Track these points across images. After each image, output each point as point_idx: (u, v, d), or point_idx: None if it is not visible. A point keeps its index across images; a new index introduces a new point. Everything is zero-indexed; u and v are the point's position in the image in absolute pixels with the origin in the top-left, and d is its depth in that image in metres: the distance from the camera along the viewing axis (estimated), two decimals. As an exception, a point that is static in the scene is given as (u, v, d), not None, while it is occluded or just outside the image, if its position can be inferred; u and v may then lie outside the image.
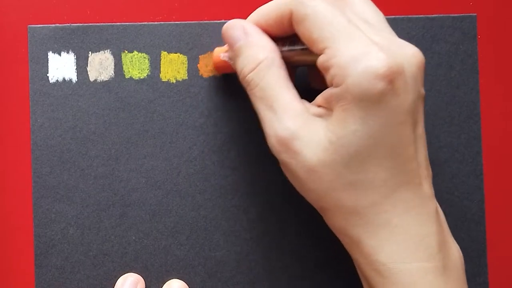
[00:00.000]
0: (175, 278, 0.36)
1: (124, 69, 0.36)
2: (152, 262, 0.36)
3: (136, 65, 0.36)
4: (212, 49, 0.36)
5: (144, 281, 0.36)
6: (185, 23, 0.36)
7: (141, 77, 0.36)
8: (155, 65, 0.36)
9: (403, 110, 0.27)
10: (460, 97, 0.37)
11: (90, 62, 0.36)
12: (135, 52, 0.36)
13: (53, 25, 0.36)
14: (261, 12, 0.31)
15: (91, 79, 0.36)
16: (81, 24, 0.36)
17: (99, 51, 0.36)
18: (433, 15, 0.37)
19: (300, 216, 0.36)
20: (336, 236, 0.35)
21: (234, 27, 0.31)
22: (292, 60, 0.31)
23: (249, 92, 0.31)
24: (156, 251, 0.36)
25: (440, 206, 0.37)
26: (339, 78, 0.27)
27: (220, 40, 0.36)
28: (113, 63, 0.36)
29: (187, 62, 0.36)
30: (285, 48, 0.31)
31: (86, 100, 0.36)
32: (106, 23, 0.36)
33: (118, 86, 0.36)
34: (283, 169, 0.30)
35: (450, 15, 0.37)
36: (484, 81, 0.37)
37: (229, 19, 0.36)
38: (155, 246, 0.36)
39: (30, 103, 0.36)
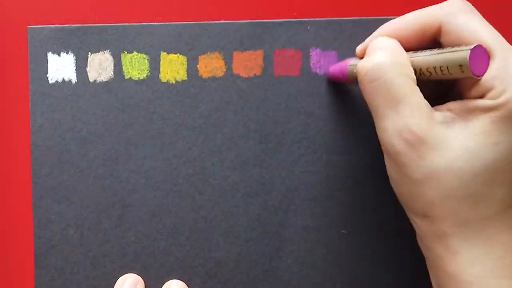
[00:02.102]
0: (175, 278, 0.36)
1: (123, 69, 0.36)
2: (152, 263, 0.36)
3: (136, 66, 0.36)
4: (211, 50, 0.36)
5: (144, 281, 0.36)
6: (185, 24, 0.36)
7: (140, 78, 0.36)
8: (154, 65, 0.36)
9: None
10: (459, 97, 0.37)
11: (89, 62, 0.36)
12: (135, 53, 0.36)
13: (53, 25, 0.36)
14: (403, 20, 0.31)
15: (91, 79, 0.36)
16: (80, 25, 0.36)
17: (99, 52, 0.36)
18: (432, 16, 0.37)
19: (300, 216, 0.36)
20: (335, 237, 0.35)
21: (376, 40, 0.31)
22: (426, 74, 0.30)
23: (366, 86, 0.29)
24: (155, 252, 0.36)
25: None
26: (498, 91, 0.27)
27: (218, 40, 0.36)
28: (112, 64, 0.36)
29: (186, 62, 0.36)
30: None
31: (86, 101, 0.36)
32: (106, 24, 0.36)
33: (117, 86, 0.36)
34: (393, 170, 0.29)
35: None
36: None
37: (229, 20, 0.36)
38: (154, 247, 0.36)
39: (30, 103, 0.36)
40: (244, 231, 0.36)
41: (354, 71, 0.32)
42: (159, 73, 0.36)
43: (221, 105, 0.36)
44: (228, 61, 0.36)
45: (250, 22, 0.36)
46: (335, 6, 0.37)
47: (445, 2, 0.30)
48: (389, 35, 0.31)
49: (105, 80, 0.36)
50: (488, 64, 0.28)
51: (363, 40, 0.36)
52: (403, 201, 0.30)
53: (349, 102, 0.36)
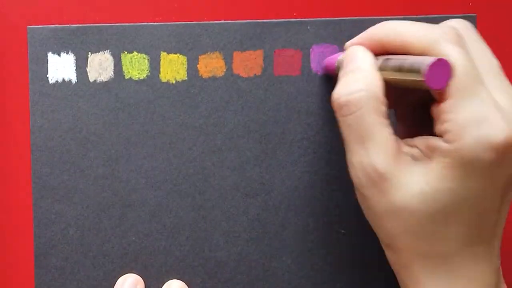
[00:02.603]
0: (175, 278, 0.36)
1: (123, 69, 0.36)
2: (152, 263, 0.36)
3: (136, 66, 0.36)
4: (212, 50, 0.36)
5: (144, 281, 0.36)
6: (185, 24, 0.36)
7: (140, 78, 0.36)
8: (154, 65, 0.36)
9: (503, 178, 0.27)
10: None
11: (89, 62, 0.36)
12: (135, 53, 0.36)
13: (53, 25, 0.36)
14: (384, 34, 0.30)
15: (91, 79, 0.36)
16: (80, 25, 0.36)
17: (99, 52, 0.36)
18: (433, 15, 0.37)
19: (300, 216, 0.36)
20: (335, 237, 0.35)
21: (353, 51, 0.31)
22: (397, 82, 0.29)
23: (340, 118, 0.30)
24: (156, 252, 0.36)
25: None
26: (453, 135, 0.27)
27: (218, 40, 0.36)
28: (112, 64, 0.36)
29: (186, 62, 0.36)
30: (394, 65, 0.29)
31: (86, 101, 0.36)
32: (106, 24, 0.36)
33: (117, 86, 0.36)
34: (360, 199, 0.30)
35: (449, 15, 0.37)
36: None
37: (229, 20, 0.36)
38: (155, 247, 0.36)
39: (30, 103, 0.36)
40: (244, 231, 0.36)
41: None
42: (159, 73, 0.36)
43: (221, 105, 0.36)
44: (228, 61, 0.36)
45: (250, 22, 0.36)
46: (335, 6, 0.37)
47: (434, 27, 0.29)
48: (374, 42, 0.30)
49: (105, 80, 0.36)
50: (448, 80, 0.27)
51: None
52: (372, 228, 0.31)
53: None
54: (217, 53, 0.36)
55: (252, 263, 0.36)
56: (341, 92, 0.29)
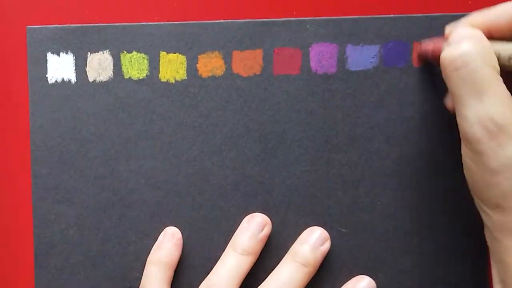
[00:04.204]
0: (175, 278, 0.36)
1: (123, 69, 0.36)
2: (152, 263, 0.36)
3: (135, 66, 0.36)
4: (211, 49, 0.36)
5: (144, 281, 0.36)
6: (184, 23, 0.36)
7: (140, 78, 0.36)
8: (154, 65, 0.36)
9: None
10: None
11: (89, 62, 0.36)
12: (134, 53, 0.36)
13: (52, 25, 0.36)
14: (494, 12, 0.31)
15: (90, 79, 0.36)
16: (79, 25, 0.36)
17: (98, 52, 0.36)
18: (432, 14, 0.37)
19: (300, 216, 0.36)
20: (336, 236, 0.35)
21: (458, 27, 0.31)
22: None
23: (452, 73, 0.30)
24: (156, 252, 0.36)
25: (440, 205, 0.37)
26: None
27: (217, 39, 0.36)
28: (112, 64, 0.36)
29: (186, 62, 0.36)
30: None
31: (85, 101, 0.36)
32: (105, 24, 0.36)
33: (117, 86, 0.36)
34: (470, 158, 0.30)
35: (449, 14, 0.37)
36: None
37: (228, 19, 0.36)
38: (155, 247, 0.36)
39: (29, 104, 0.36)
40: (244, 230, 0.36)
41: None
42: (159, 72, 0.36)
43: (221, 104, 0.36)
44: (227, 61, 0.36)
45: (250, 22, 0.36)
46: (334, 4, 0.37)
47: None
48: (478, 25, 0.31)
49: (105, 80, 0.36)
50: None
51: (362, 39, 0.36)
52: (475, 190, 0.30)
53: (349, 100, 0.36)
54: (216, 53, 0.36)
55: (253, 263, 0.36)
56: (453, 48, 0.30)
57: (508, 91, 0.29)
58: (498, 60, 0.30)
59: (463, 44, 0.29)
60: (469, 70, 0.29)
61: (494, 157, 0.28)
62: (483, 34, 0.30)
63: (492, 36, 0.31)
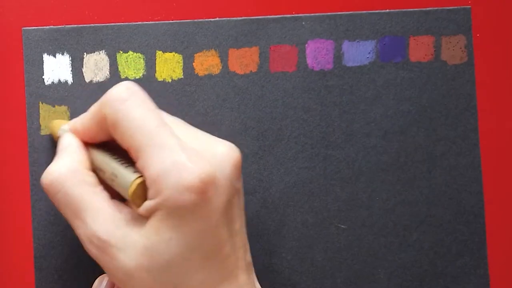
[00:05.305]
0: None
1: (119, 69, 0.36)
2: (152, 262, 0.36)
3: (132, 65, 0.36)
4: (207, 47, 0.36)
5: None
6: (180, 22, 0.36)
7: (136, 77, 0.36)
8: (150, 64, 0.36)
9: (216, 213, 0.28)
10: (456, 89, 0.37)
11: (85, 63, 0.36)
12: (130, 52, 0.36)
13: (47, 27, 0.36)
14: (85, 119, 0.31)
15: (87, 80, 0.36)
16: (75, 25, 0.36)
17: (94, 52, 0.36)
18: (427, 8, 0.37)
19: (299, 212, 0.36)
20: (335, 232, 0.35)
21: (62, 137, 0.32)
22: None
23: (52, 200, 0.30)
24: (155, 251, 0.36)
25: (439, 199, 0.37)
26: (153, 191, 0.27)
27: (213, 38, 0.36)
28: (108, 64, 0.36)
29: (182, 61, 0.36)
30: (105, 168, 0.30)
31: (82, 101, 0.36)
32: (101, 24, 0.36)
33: (113, 86, 0.36)
34: (104, 270, 0.30)
35: (445, 8, 0.37)
36: (480, 72, 0.37)
37: (224, 17, 0.36)
38: (154, 246, 0.36)
39: (26, 105, 0.36)
40: (244, 228, 0.36)
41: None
42: (155, 72, 0.36)
43: (218, 102, 0.36)
44: (224, 59, 0.36)
45: (245, 19, 0.36)
46: (329, 0, 0.37)
47: (109, 90, 0.29)
48: (81, 129, 0.31)
49: (101, 80, 0.36)
50: None
51: (358, 34, 0.36)
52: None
53: (345, 96, 0.36)
54: (212, 51, 0.36)
55: (252, 260, 0.36)
56: (44, 175, 0.30)
57: (108, 202, 0.29)
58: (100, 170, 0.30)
59: (55, 165, 0.30)
60: (63, 194, 0.29)
61: (115, 271, 0.28)
62: (78, 145, 0.31)
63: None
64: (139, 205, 0.28)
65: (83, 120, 0.31)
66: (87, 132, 0.31)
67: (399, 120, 0.36)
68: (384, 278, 0.36)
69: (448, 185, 0.36)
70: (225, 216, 0.28)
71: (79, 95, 0.36)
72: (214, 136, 0.30)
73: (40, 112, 0.35)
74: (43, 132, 0.35)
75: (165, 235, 0.27)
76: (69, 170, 0.29)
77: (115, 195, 0.30)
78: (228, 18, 0.36)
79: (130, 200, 0.28)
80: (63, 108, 0.36)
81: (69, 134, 0.32)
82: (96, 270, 0.35)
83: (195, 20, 0.36)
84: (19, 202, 0.36)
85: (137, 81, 0.36)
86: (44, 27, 0.36)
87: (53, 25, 0.36)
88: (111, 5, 0.36)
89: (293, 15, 0.36)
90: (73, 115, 0.36)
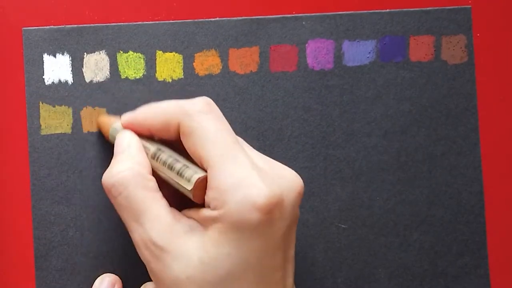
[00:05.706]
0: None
1: (119, 69, 0.36)
2: (152, 262, 0.36)
3: (132, 65, 0.36)
4: (207, 47, 0.36)
5: (145, 281, 0.36)
6: (180, 22, 0.36)
7: (136, 77, 0.36)
8: (150, 64, 0.36)
9: (277, 236, 0.28)
10: (456, 89, 0.37)
11: (85, 63, 0.36)
12: (130, 52, 0.36)
13: (48, 27, 0.36)
14: (150, 114, 0.32)
15: (87, 80, 0.36)
16: (75, 25, 0.36)
17: (94, 52, 0.36)
18: (428, 8, 0.37)
19: (299, 215, 0.36)
20: (336, 232, 0.35)
21: (121, 136, 0.32)
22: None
23: (112, 201, 0.30)
24: (156, 251, 0.36)
25: (439, 199, 0.37)
26: (218, 202, 0.27)
27: (214, 37, 0.36)
28: (108, 64, 0.36)
29: (182, 60, 0.36)
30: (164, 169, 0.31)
31: (83, 101, 0.36)
32: (101, 24, 0.36)
33: (114, 86, 0.36)
34: (151, 275, 0.30)
35: (445, 7, 0.37)
36: (481, 72, 0.37)
37: (224, 17, 0.36)
38: (155, 246, 0.36)
39: (27, 105, 0.36)
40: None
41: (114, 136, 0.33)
42: (155, 72, 0.36)
43: (218, 102, 0.36)
44: (224, 58, 0.36)
45: (246, 19, 0.36)
46: (330, 0, 0.37)
47: (187, 100, 0.30)
48: (140, 123, 0.32)
49: (102, 80, 0.36)
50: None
51: (358, 34, 0.36)
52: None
53: (346, 96, 0.36)
54: (212, 51, 0.36)
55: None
56: (107, 175, 0.30)
57: (167, 210, 0.29)
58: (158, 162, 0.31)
59: (117, 166, 0.30)
60: (125, 196, 0.29)
61: (164, 277, 0.28)
62: (139, 147, 0.31)
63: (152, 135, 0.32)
64: (200, 199, 0.28)
65: (146, 116, 0.32)
66: (145, 129, 0.31)
67: (399, 119, 0.36)
68: (385, 278, 0.36)
69: (448, 185, 0.36)
70: (284, 241, 0.29)
71: (79, 95, 0.36)
72: (277, 162, 0.31)
73: (40, 112, 0.35)
74: (43, 132, 0.35)
75: (224, 249, 0.27)
76: (132, 173, 0.30)
77: (172, 203, 0.30)
78: (228, 18, 0.36)
79: (192, 190, 0.29)
80: (64, 108, 0.36)
81: (127, 132, 0.32)
82: (96, 270, 0.35)
83: (195, 20, 0.36)
84: (19, 202, 0.36)
85: (137, 81, 0.36)
86: (44, 27, 0.36)
87: (53, 25, 0.36)
88: (111, 5, 0.36)
89: (293, 15, 0.36)
90: (75, 114, 0.36)
